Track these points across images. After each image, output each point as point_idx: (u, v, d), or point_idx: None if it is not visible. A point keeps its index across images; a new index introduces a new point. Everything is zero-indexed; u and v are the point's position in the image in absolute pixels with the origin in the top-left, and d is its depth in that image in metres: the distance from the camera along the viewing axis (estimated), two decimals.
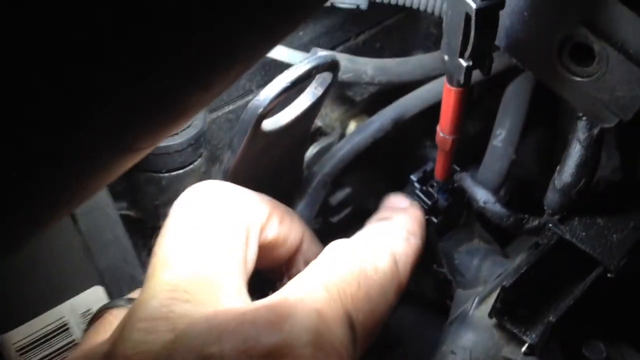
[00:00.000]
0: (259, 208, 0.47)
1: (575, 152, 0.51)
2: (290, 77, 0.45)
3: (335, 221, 0.72)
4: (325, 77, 0.50)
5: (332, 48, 0.72)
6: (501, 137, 0.77)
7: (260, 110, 0.45)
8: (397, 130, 0.67)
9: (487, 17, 0.43)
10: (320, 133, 0.72)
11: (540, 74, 0.50)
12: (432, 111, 0.65)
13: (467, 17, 0.44)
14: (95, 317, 0.46)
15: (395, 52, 0.79)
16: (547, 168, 0.81)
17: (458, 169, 0.63)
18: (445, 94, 0.52)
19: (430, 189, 0.65)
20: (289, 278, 0.44)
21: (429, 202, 0.64)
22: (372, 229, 0.53)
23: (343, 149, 0.65)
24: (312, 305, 0.39)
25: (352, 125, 0.71)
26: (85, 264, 0.51)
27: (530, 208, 0.63)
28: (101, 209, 0.51)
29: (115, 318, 0.45)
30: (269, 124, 0.50)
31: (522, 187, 0.87)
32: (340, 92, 0.72)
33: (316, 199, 0.63)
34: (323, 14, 0.70)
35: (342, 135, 0.70)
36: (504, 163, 0.78)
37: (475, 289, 0.64)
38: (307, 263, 0.51)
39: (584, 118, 0.50)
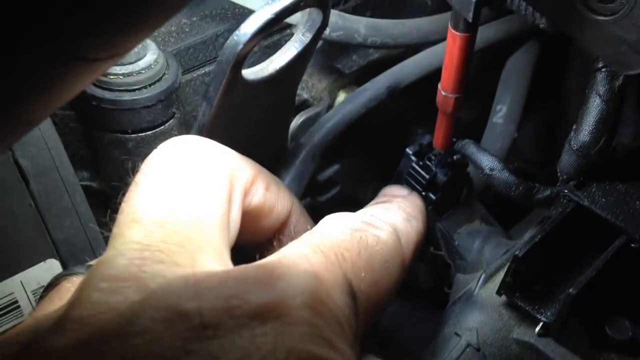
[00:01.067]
0: (243, 168, 0.42)
1: (594, 108, 0.46)
2: (275, 8, 0.39)
3: (322, 200, 0.66)
4: (315, 19, 0.44)
5: None
6: (502, 114, 0.72)
7: (240, 47, 0.39)
8: (392, 100, 0.62)
9: None
10: (306, 106, 0.66)
11: (557, 18, 0.45)
12: (427, 92, 0.59)
13: None
14: (51, 286, 0.40)
15: None
16: (549, 159, 0.76)
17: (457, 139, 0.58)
18: (450, 42, 0.46)
19: (428, 163, 0.59)
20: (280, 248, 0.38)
21: (427, 177, 0.58)
22: (372, 207, 0.49)
23: (333, 119, 0.59)
24: (309, 267, 0.34)
25: (341, 96, 0.65)
26: (38, 233, 0.45)
27: None
28: (57, 170, 0.45)
29: (74, 286, 0.39)
30: (251, 73, 0.44)
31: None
32: (328, 61, 0.67)
33: (304, 173, 0.57)
34: None
35: (331, 106, 0.65)
36: (505, 141, 0.72)
37: (476, 272, 0.58)
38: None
39: (603, 69, 0.45)
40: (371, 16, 0.70)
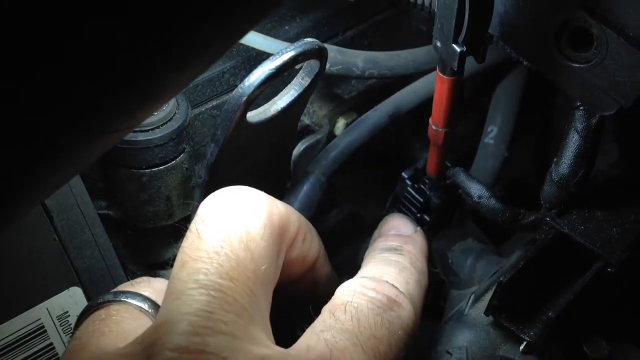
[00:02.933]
0: (290, 222, 0.44)
1: (572, 143, 0.49)
2: (276, 63, 0.43)
3: (324, 221, 0.70)
4: (313, 66, 0.48)
5: None
6: (493, 134, 0.76)
7: (245, 98, 0.43)
8: (393, 126, 0.65)
9: None
10: (307, 131, 0.70)
11: (536, 62, 0.48)
12: (423, 110, 0.63)
13: None
14: (94, 309, 0.43)
15: (384, 49, 0.77)
16: (541, 169, 0.79)
17: (450, 165, 0.61)
18: (438, 83, 0.50)
19: (422, 187, 0.63)
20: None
21: (422, 200, 0.62)
22: (385, 267, 0.50)
23: (338, 147, 0.62)
24: None
25: (340, 123, 0.69)
26: (62, 264, 0.49)
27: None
28: (78, 206, 0.49)
29: (122, 318, 0.42)
30: (254, 116, 0.48)
31: (516, 188, 0.85)
32: (328, 89, 0.70)
33: (312, 201, 0.60)
34: (310, 7, 0.68)
35: (331, 133, 0.68)
36: (496, 161, 0.76)
37: (469, 289, 0.62)
38: (315, 283, 0.50)
39: (581, 107, 0.49)
40: (369, 44, 0.74)
